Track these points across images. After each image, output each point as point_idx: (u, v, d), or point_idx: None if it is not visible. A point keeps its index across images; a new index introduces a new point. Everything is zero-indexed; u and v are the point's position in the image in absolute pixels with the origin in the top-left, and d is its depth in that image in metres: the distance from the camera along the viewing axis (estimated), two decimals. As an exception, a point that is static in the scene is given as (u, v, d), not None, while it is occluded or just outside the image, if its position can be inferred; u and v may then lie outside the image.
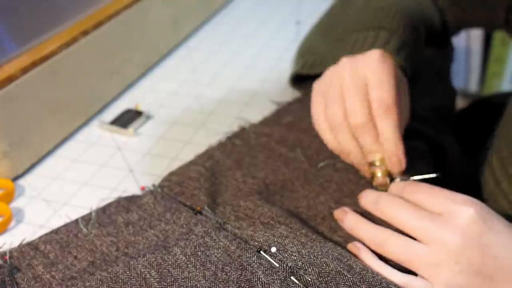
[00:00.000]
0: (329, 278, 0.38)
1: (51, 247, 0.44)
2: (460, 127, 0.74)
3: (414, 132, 0.54)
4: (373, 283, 0.38)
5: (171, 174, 0.52)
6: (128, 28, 0.69)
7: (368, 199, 0.45)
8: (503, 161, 0.54)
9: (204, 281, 0.39)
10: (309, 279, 0.38)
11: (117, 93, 0.68)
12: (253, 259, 0.40)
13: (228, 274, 0.39)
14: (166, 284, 0.39)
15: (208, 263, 0.41)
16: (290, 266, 0.39)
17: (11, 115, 0.53)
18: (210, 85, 0.71)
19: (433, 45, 0.65)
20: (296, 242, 0.41)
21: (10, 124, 0.53)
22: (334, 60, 0.52)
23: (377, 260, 0.41)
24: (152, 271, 0.40)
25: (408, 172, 0.48)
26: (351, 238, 0.44)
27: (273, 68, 0.75)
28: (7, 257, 0.43)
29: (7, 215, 0.48)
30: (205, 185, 0.50)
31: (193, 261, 0.41)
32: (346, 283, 0.38)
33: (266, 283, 0.38)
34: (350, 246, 0.42)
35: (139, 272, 0.40)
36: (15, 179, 0.54)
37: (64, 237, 0.45)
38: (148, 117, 0.64)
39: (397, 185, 0.45)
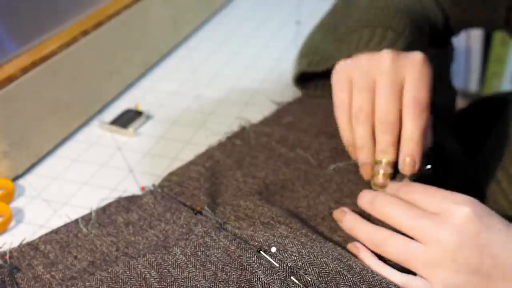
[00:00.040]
0: (329, 278, 0.38)
1: (51, 247, 0.44)
2: (460, 127, 0.74)
3: None
4: (373, 283, 0.38)
5: (171, 174, 0.52)
6: (128, 28, 0.69)
7: (365, 199, 0.45)
8: (503, 161, 0.54)
9: (204, 281, 0.39)
10: (309, 279, 0.38)
11: (117, 93, 0.68)
12: (253, 259, 0.40)
13: (228, 274, 0.39)
14: (166, 284, 0.39)
15: (208, 263, 0.41)
16: (290, 266, 0.39)
17: (11, 115, 0.53)
18: (210, 85, 0.71)
19: (433, 45, 0.65)
20: (296, 242, 0.41)
21: (10, 124, 0.53)
22: (340, 57, 0.51)
23: (377, 260, 0.41)
24: (152, 271, 0.40)
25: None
26: (351, 238, 0.44)
27: (273, 68, 0.75)
28: (7, 257, 0.43)
29: (7, 215, 0.48)
30: (205, 185, 0.50)
31: (193, 261, 0.41)
32: (346, 283, 0.38)
33: (266, 283, 0.38)
34: (350, 246, 0.42)
35: (139, 272, 0.40)
36: (15, 179, 0.54)
37: (64, 237, 0.45)
38: (148, 117, 0.64)
39: (393, 185, 0.45)
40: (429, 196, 0.41)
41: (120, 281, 0.39)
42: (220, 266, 0.40)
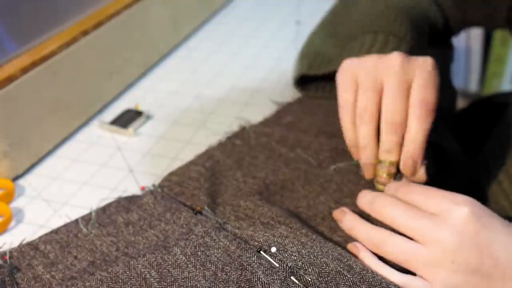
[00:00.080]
0: (329, 278, 0.38)
1: (51, 247, 0.44)
2: (460, 127, 0.74)
3: None
4: (373, 283, 0.38)
5: (171, 174, 0.52)
6: (128, 28, 0.69)
7: (364, 199, 0.45)
8: (504, 161, 0.54)
9: (204, 281, 0.39)
10: (309, 279, 0.38)
11: (117, 93, 0.68)
12: (253, 259, 0.40)
13: (228, 274, 0.39)
14: (166, 284, 0.39)
15: (208, 263, 0.41)
16: (290, 266, 0.39)
17: (11, 115, 0.53)
18: (210, 85, 0.71)
19: (433, 45, 0.65)
20: (296, 242, 0.41)
21: (10, 124, 0.53)
22: (342, 61, 0.51)
23: (377, 260, 0.41)
24: (152, 271, 0.40)
25: None
26: (351, 238, 0.44)
27: (273, 68, 0.75)
28: (7, 257, 0.43)
29: (7, 215, 0.48)
30: (205, 185, 0.50)
31: (193, 261, 0.41)
32: (346, 283, 0.38)
33: (266, 283, 0.38)
34: (350, 246, 0.42)
35: (139, 272, 0.40)
36: (15, 179, 0.54)
37: (64, 237, 0.45)
38: (148, 117, 0.64)
39: (392, 185, 0.45)
40: (428, 197, 0.41)
41: (120, 281, 0.39)
42: (220, 266, 0.40)
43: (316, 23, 0.67)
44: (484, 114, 0.75)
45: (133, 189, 0.51)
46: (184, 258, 0.41)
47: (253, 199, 0.48)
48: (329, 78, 0.60)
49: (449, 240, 0.38)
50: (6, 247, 0.45)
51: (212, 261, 0.41)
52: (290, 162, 0.53)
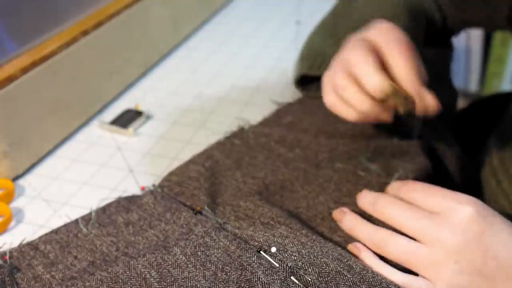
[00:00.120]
0: (329, 278, 0.38)
1: (51, 247, 0.44)
2: (460, 127, 0.74)
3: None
4: (373, 283, 0.37)
5: (171, 174, 0.52)
6: (128, 28, 0.69)
7: (365, 200, 0.45)
8: (504, 161, 0.54)
9: (204, 281, 0.39)
10: (309, 279, 0.38)
11: (117, 93, 0.68)
12: (253, 259, 0.40)
13: (228, 274, 0.39)
14: (166, 284, 0.39)
15: (208, 263, 0.40)
16: (290, 266, 0.39)
17: (11, 115, 0.53)
18: (210, 85, 0.71)
19: (433, 45, 0.65)
20: (296, 242, 0.41)
21: (10, 124, 0.53)
22: None
23: (378, 260, 0.40)
24: (152, 271, 0.40)
25: (404, 168, 0.48)
26: (351, 238, 0.44)
27: (273, 68, 0.75)
28: (7, 257, 0.43)
29: (7, 215, 0.48)
30: (205, 185, 0.50)
31: (193, 261, 0.41)
32: (346, 283, 0.37)
33: (266, 283, 0.38)
34: (351, 247, 0.42)
35: (139, 272, 0.40)
36: (15, 179, 0.54)
37: (64, 237, 0.45)
38: (148, 117, 0.64)
39: (394, 185, 0.45)
40: (429, 195, 0.41)
41: (120, 281, 0.39)
42: (220, 266, 0.40)
43: (316, 23, 0.67)
44: (484, 114, 0.75)
45: (133, 189, 0.51)
46: (184, 258, 0.41)
47: (253, 199, 0.48)
48: None
49: (452, 240, 0.38)
50: (6, 247, 0.45)
51: (212, 261, 0.41)
52: (289, 162, 0.53)
